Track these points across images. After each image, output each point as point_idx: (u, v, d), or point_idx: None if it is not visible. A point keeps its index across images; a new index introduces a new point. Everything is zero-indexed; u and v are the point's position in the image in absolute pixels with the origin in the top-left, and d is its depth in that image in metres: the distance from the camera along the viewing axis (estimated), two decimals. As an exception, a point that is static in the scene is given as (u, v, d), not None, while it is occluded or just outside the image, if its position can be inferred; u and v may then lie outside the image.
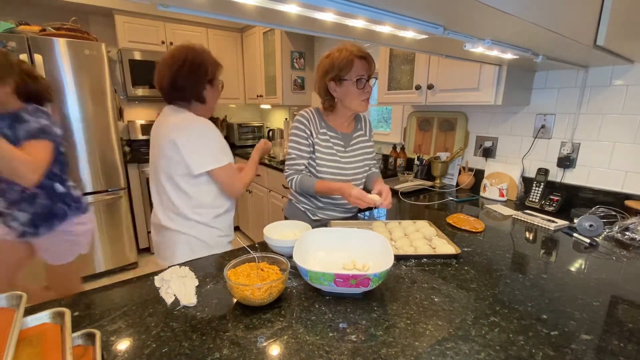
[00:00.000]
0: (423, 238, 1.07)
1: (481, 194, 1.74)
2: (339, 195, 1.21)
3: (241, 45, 3.50)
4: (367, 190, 1.31)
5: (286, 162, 1.32)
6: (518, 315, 0.72)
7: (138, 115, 3.31)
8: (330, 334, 0.65)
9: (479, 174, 1.84)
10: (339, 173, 1.31)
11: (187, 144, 1.09)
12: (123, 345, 0.62)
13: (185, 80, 1.11)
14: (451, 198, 1.69)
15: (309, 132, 1.27)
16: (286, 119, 3.44)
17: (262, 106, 3.59)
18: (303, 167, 1.30)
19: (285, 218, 1.44)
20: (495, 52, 0.98)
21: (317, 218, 1.37)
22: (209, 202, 1.20)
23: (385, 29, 0.74)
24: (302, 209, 1.39)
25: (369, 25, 0.73)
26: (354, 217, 1.39)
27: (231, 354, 0.60)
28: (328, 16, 0.66)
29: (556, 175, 1.58)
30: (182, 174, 1.13)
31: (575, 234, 1.19)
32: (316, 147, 1.28)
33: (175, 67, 1.10)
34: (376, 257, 0.88)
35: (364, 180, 1.40)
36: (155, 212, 1.23)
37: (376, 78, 1.29)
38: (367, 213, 1.44)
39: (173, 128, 1.10)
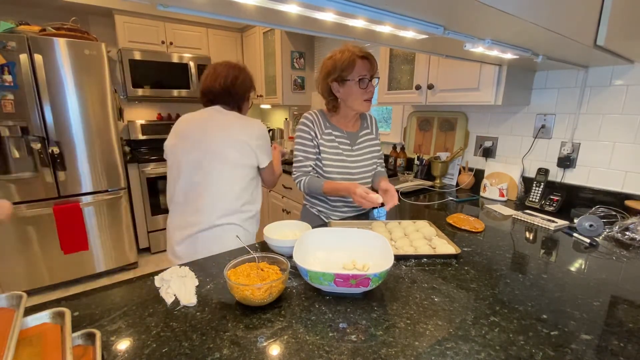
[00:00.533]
0: (423, 238, 1.07)
1: (481, 194, 1.74)
2: (347, 195, 1.21)
3: (241, 45, 3.50)
4: (373, 189, 1.32)
5: (293, 165, 1.33)
6: (518, 315, 0.72)
7: (138, 115, 3.31)
8: (330, 334, 0.65)
9: (479, 174, 1.84)
10: (346, 172, 1.31)
11: (258, 141, 1.26)
12: (123, 345, 0.62)
13: (238, 89, 1.29)
14: (451, 198, 1.69)
15: (313, 134, 1.28)
16: (286, 118, 3.44)
17: (262, 106, 3.59)
18: (310, 168, 1.31)
19: None
20: (495, 52, 0.98)
21: (331, 220, 1.37)
22: (258, 195, 1.35)
23: (386, 29, 0.74)
24: (316, 213, 1.40)
25: (369, 25, 0.73)
26: (359, 217, 1.39)
27: (231, 354, 0.60)
28: (328, 16, 0.66)
29: (556, 175, 1.58)
30: (251, 166, 1.27)
31: (575, 234, 1.19)
32: (321, 147, 1.29)
33: (232, 75, 1.28)
34: (376, 257, 0.88)
35: (372, 178, 1.41)
36: (199, 213, 1.20)
37: (378, 78, 1.29)
38: (367, 213, 1.44)
39: (242, 127, 1.25)
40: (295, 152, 1.32)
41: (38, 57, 2.10)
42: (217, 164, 1.20)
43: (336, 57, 1.22)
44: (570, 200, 1.50)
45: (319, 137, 1.29)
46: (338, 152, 1.30)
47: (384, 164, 1.49)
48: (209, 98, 1.29)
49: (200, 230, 1.20)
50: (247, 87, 1.33)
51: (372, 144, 1.39)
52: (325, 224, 1.34)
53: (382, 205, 1.17)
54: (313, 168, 1.32)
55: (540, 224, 1.30)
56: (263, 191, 2.44)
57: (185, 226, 1.22)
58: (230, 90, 1.28)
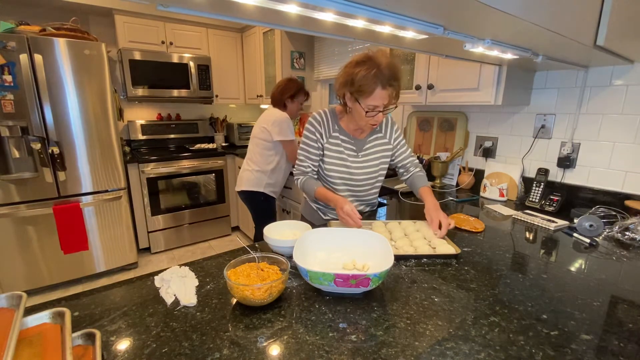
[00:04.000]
0: (423, 238, 1.07)
1: (481, 194, 1.74)
2: (334, 207, 1.15)
3: (241, 45, 3.50)
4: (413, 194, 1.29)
5: (296, 164, 1.33)
6: (518, 315, 0.72)
7: (138, 115, 3.31)
8: (330, 334, 0.65)
9: (479, 174, 1.84)
10: (348, 178, 1.30)
11: (272, 124, 2.02)
12: (123, 345, 0.62)
13: (279, 94, 2.09)
14: (451, 198, 1.69)
15: (318, 135, 1.26)
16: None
17: (262, 106, 3.59)
18: (310, 169, 1.29)
19: (302, 217, 1.48)
20: (495, 52, 0.98)
21: (328, 218, 1.38)
22: (269, 158, 2.10)
23: (385, 29, 0.74)
24: (315, 208, 1.41)
25: (369, 25, 0.73)
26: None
27: (231, 354, 0.60)
28: (328, 16, 0.66)
29: (556, 175, 1.58)
30: (265, 139, 2.06)
31: (575, 234, 1.19)
32: (325, 151, 1.27)
33: (281, 85, 2.10)
34: (376, 257, 0.88)
35: (377, 184, 1.37)
36: (245, 162, 2.18)
37: (396, 106, 1.16)
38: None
39: (267, 115, 2.07)
40: (298, 151, 1.32)
41: (38, 57, 2.10)
42: (253, 137, 2.14)
43: (360, 72, 1.06)
44: (570, 200, 1.50)
45: (324, 139, 1.26)
46: (342, 157, 1.27)
47: (417, 162, 1.37)
48: (271, 100, 2.14)
49: (243, 170, 2.16)
50: (284, 93, 2.07)
51: (383, 149, 1.32)
52: (324, 222, 1.35)
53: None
54: (312, 169, 1.30)
55: (540, 224, 1.30)
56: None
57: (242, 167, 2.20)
58: (274, 95, 2.09)
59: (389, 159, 1.36)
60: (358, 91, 1.09)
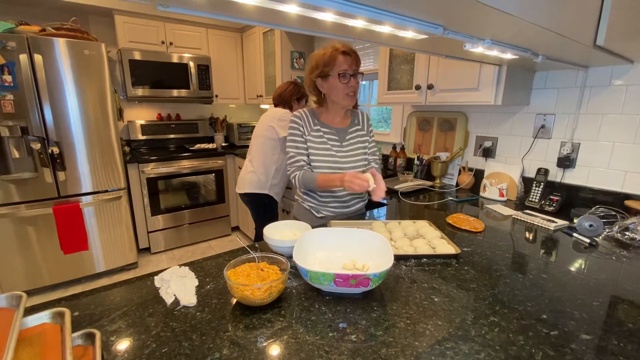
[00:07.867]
0: (423, 238, 1.07)
1: (481, 194, 1.74)
2: (340, 187, 1.21)
3: (241, 45, 3.50)
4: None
5: (288, 162, 1.35)
6: (518, 315, 0.72)
7: (138, 115, 3.31)
8: (330, 334, 0.65)
9: (478, 174, 1.84)
10: (336, 168, 1.32)
11: (278, 121, 2.02)
12: (123, 345, 0.62)
13: (285, 95, 2.10)
14: (451, 198, 1.69)
15: (302, 130, 1.31)
16: (286, 119, 3.44)
17: (262, 106, 3.59)
18: (304, 162, 1.32)
19: (294, 218, 1.49)
20: (495, 52, 0.98)
21: (321, 215, 1.38)
22: (274, 157, 2.09)
23: (385, 29, 0.74)
24: (307, 207, 1.41)
25: (369, 25, 0.73)
26: (356, 216, 1.39)
27: (231, 354, 0.60)
28: (328, 16, 0.66)
29: (556, 175, 1.58)
30: (271, 138, 2.06)
31: (575, 234, 1.19)
32: (310, 144, 1.31)
33: (283, 88, 2.11)
34: (376, 257, 0.88)
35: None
36: (249, 163, 2.15)
37: (362, 74, 1.29)
38: (367, 213, 1.44)
39: (272, 113, 2.07)
40: (287, 150, 1.35)
41: (38, 57, 2.10)
42: (257, 136, 2.12)
43: (319, 54, 1.25)
44: (570, 200, 1.50)
45: (307, 134, 1.31)
46: (327, 147, 1.32)
47: (379, 162, 1.47)
48: (274, 101, 2.16)
49: (246, 172, 2.12)
50: (292, 95, 2.10)
51: (363, 141, 1.39)
52: (318, 220, 1.36)
53: (370, 195, 1.18)
54: (306, 162, 1.33)
55: (540, 224, 1.30)
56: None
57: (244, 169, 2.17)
58: (282, 96, 2.10)
59: (372, 150, 1.43)
60: (325, 66, 1.22)
